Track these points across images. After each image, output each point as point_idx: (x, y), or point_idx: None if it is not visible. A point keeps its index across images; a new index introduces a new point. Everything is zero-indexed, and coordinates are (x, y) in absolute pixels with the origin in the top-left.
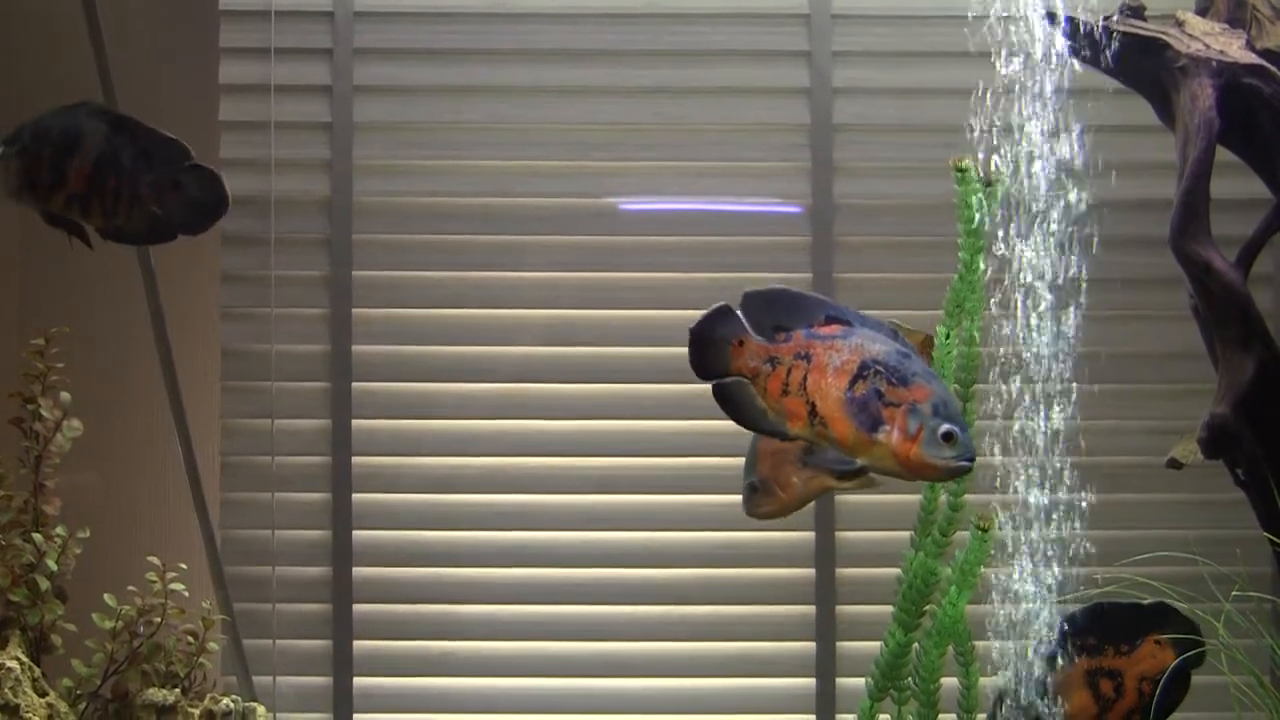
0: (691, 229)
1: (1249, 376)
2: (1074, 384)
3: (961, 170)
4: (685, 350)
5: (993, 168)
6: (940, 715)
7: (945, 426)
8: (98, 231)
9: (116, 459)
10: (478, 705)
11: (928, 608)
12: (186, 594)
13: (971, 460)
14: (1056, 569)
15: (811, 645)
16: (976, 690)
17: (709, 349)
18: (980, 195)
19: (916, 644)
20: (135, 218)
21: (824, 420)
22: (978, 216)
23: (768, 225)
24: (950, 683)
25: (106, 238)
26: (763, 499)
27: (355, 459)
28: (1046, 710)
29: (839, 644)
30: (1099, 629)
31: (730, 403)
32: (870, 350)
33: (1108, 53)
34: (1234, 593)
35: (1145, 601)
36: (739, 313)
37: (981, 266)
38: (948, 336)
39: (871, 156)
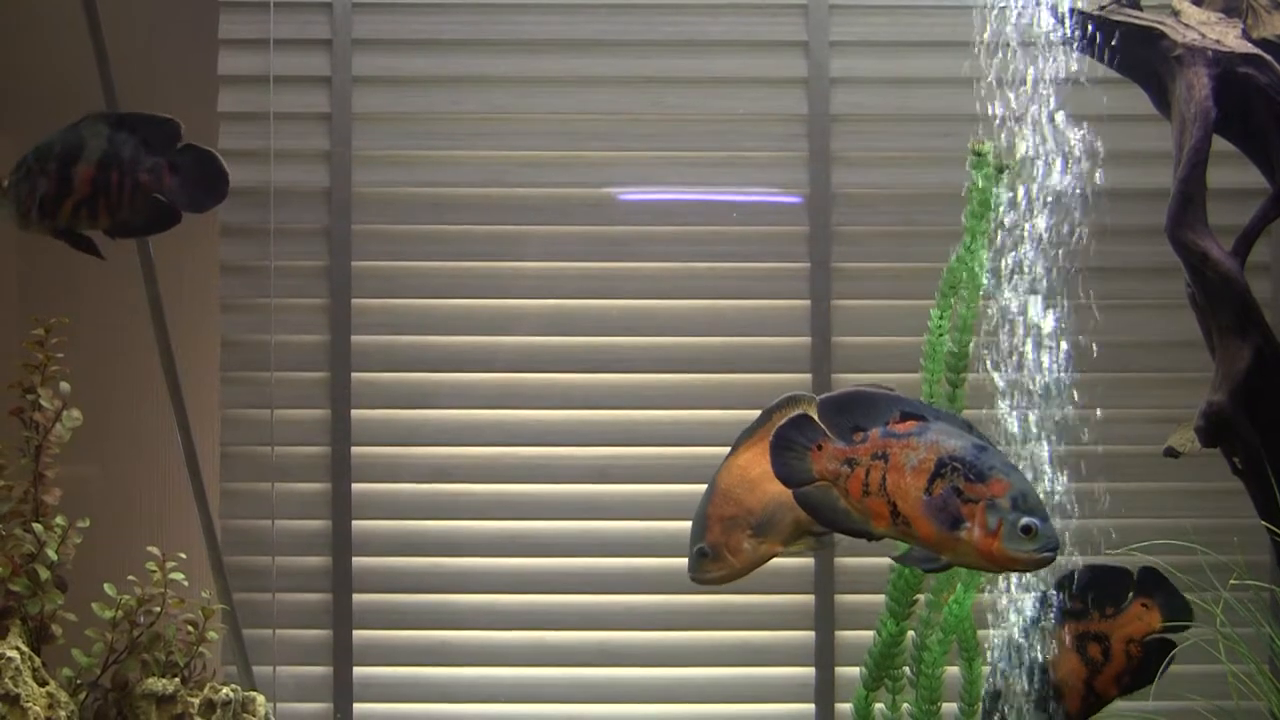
0: (689, 219)
1: (1246, 365)
2: (1072, 373)
3: (979, 154)
4: (683, 341)
5: (1004, 156)
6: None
7: (1025, 520)
8: (105, 232)
9: (116, 449)
10: (477, 694)
11: (918, 597)
12: (186, 584)
13: (1055, 550)
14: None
15: (811, 634)
16: (980, 684)
17: (791, 457)
18: (992, 179)
19: (911, 632)
20: (139, 207)
21: (906, 520)
22: (990, 200)
23: (766, 215)
24: (950, 673)
25: (115, 235)
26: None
27: (354, 449)
28: (1039, 678)
29: (838, 633)
30: (1084, 593)
31: (814, 507)
32: (946, 447)
33: (1102, 41)
34: (1232, 581)
35: (1130, 566)
36: (816, 418)
37: (983, 249)
38: (941, 318)
39: (868, 146)
